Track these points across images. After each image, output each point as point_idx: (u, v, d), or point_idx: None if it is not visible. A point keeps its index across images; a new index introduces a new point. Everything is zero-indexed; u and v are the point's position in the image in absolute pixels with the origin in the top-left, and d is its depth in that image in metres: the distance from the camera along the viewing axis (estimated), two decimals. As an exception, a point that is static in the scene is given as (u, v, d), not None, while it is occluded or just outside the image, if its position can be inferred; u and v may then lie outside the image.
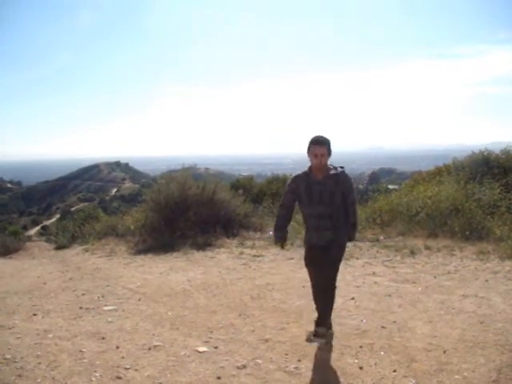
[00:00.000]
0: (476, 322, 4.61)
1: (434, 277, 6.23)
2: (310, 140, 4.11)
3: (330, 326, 4.26)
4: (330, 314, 4.23)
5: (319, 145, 4.04)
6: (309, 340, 4.21)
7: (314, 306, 4.30)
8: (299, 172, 4.26)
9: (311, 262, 4.23)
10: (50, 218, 72.16)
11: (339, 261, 4.19)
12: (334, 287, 4.17)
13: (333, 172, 4.10)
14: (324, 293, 4.17)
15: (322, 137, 4.09)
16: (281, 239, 4.30)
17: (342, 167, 4.20)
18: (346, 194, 4.11)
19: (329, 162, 4.16)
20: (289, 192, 4.27)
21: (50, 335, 4.64)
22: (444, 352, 3.95)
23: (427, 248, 7.69)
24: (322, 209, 4.08)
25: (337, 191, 4.06)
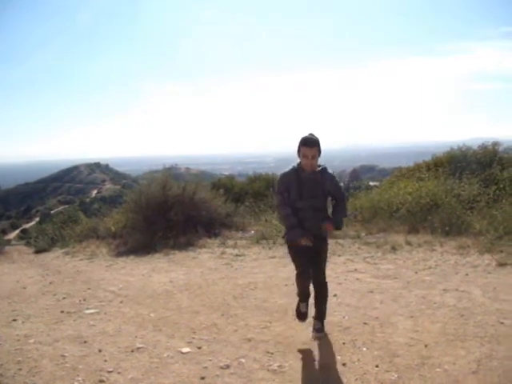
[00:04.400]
0: (456, 315, 4.66)
1: (415, 272, 6.29)
2: (300, 140, 4.06)
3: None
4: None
5: (309, 146, 4.00)
6: (316, 337, 4.29)
7: (298, 298, 4.41)
8: (286, 170, 4.22)
9: (300, 252, 4.16)
10: (29, 222, 71.20)
11: (326, 254, 4.34)
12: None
13: (320, 170, 4.14)
14: (323, 287, 4.30)
15: (311, 137, 4.04)
16: (304, 234, 4.09)
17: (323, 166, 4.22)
18: (334, 189, 4.18)
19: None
20: (283, 191, 4.19)
21: (31, 340, 4.58)
22: (425, 346, 3.99)
23: (408, 244, 7.75)
24: (313, 202, 4.11)
25: (325, 186, 4.12)
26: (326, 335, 4.32)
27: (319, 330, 4.31)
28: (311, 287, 4.31)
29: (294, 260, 4.29)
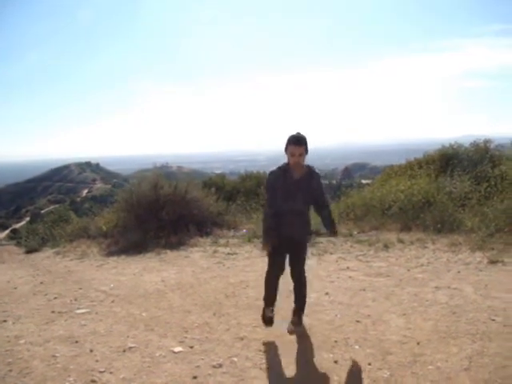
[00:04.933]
0: (448, 312, 4.68)
1: (408, 270, 6.30)
2: (288, 138, 4.08)
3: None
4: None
5: (297, 145, 4.02)
6: (291, 331, 4.37)
7: (264, 295, 4.49)
8: (274, 168, 4.24)
9: (275, 252, 4.22)
10: (19, 221, 70.83)
11: (306, 254, 4.40)
12: (305, 275, 4.41)
13: (307, 171, 4.17)
14: (302, 287, 4.38)
15: (300, 136, 4.06)
16: (274, 240, 4.16)
17: (310, 166, 4.26)
18: (318, 194, 4.23)
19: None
20: (271, 189, 4.22)
21: (22, 341, 4.54)
22: (418, 343, 4.00)
23: (400, 241, 7.77)
24: (296, 205, 4.16)
25: (310, 189, 4.16)
26: (303, 329, 4.44)
27: (296, 323, 4.40)
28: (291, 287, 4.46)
29: (268, 259, 4.36)
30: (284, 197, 4.15)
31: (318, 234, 4.39)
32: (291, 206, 4.15)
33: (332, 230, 4.33)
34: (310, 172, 4.18)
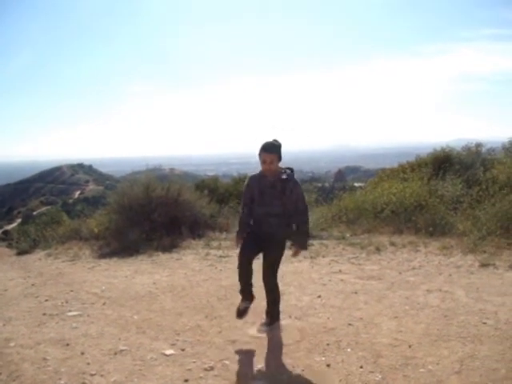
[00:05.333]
0: (440, 315, 4.70)
1: (399, 273, 6.32)
2: (261, 145, 4.23)
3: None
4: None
5: (267, 152, 4.18)
6: (259, 330, 4.52)
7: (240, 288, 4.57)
8: (254, 173, 4.45)
9: (244, 248, 4.41)
10: (11, 223, 70.33)
11: (278, 258, 4.41)
12: (276, 283, 4.48)
13: (283, 176, 4.27)
14: (268, 290, 4.50)
15: (270, 143, 4.22)
16: (238, 237, 4.51)
17: (290, 169, 4.38)
18: (294, 200, 4.29)
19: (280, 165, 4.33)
20: (247, 192, 4.46)
21: (12, 344, 4.50)
22: (409, 346, 4.01)
23: (392, 244, 7.79)
24: (272, 209, 4.29)
25: (285, 195, 4.25)
26: (277, 329, 4.51)
27: (265, 324, 4.56)
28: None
29: (241, 257, 4.45)
30: (260, 201, 4.33)
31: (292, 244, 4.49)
32: (267, 209, 4.30)
33: (298, 242, 4.43)
34: (287, 178, 4.27)
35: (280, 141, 4.32)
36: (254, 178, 4.41)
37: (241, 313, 4.50)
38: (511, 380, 3.40)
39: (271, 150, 4.19)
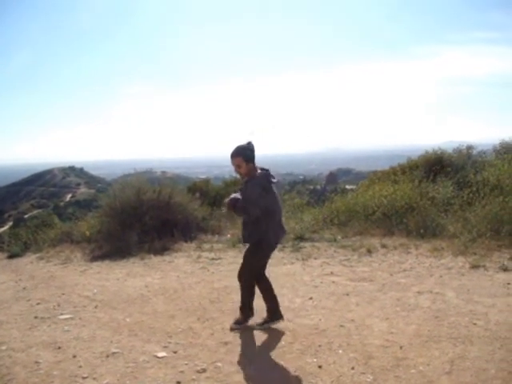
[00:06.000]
0: (431, 317, 4.73)
1: (391, 274, 6.35)
2: None
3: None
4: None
5: (231, 157, 4.41)
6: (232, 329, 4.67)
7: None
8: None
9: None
10: (1, 226, 69.84)
11: (247, 258, 4.59)
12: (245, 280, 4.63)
13: (249, 178, 4.44)
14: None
15: (235, 148, 4.42)
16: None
17: (265, 169, 4.51)
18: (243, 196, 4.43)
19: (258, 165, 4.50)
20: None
21: (4, 347, 4.50)
22: (400, 348, 4.04)
23: (384, 246, 7.82)
24: (241, 210, 4.46)
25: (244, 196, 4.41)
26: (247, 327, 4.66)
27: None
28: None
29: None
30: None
31: None
32: (240, 210, 4.47)
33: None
34: (248, 179, 4.43)
35: (252, 143, 4.47)
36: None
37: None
38: (501, 380, 3.43)
39: (234, 154, 4.41)
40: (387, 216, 8.94)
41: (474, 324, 4.49)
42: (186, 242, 9.32)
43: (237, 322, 4.69)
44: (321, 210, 10.47)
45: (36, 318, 5.39)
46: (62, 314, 5.45)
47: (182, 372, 3.80)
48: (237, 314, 4.77)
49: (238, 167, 4.40)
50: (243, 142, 4.47)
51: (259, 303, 4.66)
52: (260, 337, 4.44)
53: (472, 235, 7.57)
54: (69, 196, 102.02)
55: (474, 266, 6.41)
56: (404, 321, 4.66)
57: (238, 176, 4.63)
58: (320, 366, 3.79)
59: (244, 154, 4.37)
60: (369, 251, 7.60)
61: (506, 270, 6.22)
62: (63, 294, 6.33)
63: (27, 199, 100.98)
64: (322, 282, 6.17)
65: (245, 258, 4.59)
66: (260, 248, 4.48)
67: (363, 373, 3.64)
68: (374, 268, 6.73)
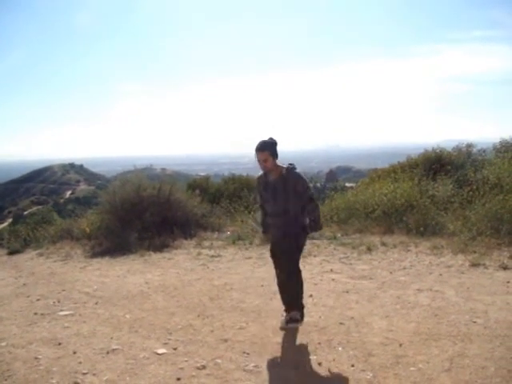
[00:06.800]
0: (430, 314, 4.73)
1: (390, 272, 6.36)
2: None
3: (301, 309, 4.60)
4: (299, 298, 4.57)
5: (260, 151, 4.32)
6: (283, 327, 4.54)
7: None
8: (260, 173, 4.56)
9: (273, 255, 4.64)
10: (1, 223, 69.81)
11: (293, 252, 4.45)
12: (294, 274, 4.50)
13: (284, 172, 4.37)
14: (285, 282, 4.54)
15: (262, 142, 4.34)
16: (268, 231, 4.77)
17: (291, 164, 4.45)
18: (300, 191, 4.34)
19: (280, 162, 4.43)
20: (258, 192, 4.73)
21: (3, 343, 4.50)
22: (400, 345, 4.04)
23: (383, 244, 7.82)
24: (276, 207, 4.40)
25: (287, 190, 4.33)
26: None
27: (285, 321, 4.62)
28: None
29: (272, 262, 4.74)
30: (265, 200, 4.53)
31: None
32: (272, 208, 4.45)
33: (313, 226, 4.49)
34: (287, 173, 4.36)
35: (275, 139, 4.39)
36: (260, 177, 4.58)
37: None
38: (500, 378, 3.44)
39: (262, 148, 4.31)
40: (387, 214, 8.94)
41: (474, 322, 4.49)
42: (185, 238, 9.33)
43: (295, 320, 4.52)
44: (320, 208, 10.48)
45: (36, 314, 5.39)
46: (62, 311, 5.46)
47: (181, 369, 3.80)
48: (283, 314, 4.71)
49: (264, 161, 4.32)
50: (265, 137, 4.39)
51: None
52: (259, 334, 4.44)
53: (472, 233, 7.58)
54: (68, 193, 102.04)
55: (474, 264, 6.41)
56: (404, 319, 4.67)
57: (262, 169, 4.44)
58: (320, 363, 3.80)
59: (271, 148, 4.33)
60: (369, 249, 7.60)
61: (505, 268, 6.22)
62: (63, 291, 6.34)
63: (27, 196, 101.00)
64: (321, 280, 6.18)
65: (288, 253, 4.43)
66: (302, 237, 4.50)
67: (363, 370, 3.64)
68: (373, 266, 6.73)
